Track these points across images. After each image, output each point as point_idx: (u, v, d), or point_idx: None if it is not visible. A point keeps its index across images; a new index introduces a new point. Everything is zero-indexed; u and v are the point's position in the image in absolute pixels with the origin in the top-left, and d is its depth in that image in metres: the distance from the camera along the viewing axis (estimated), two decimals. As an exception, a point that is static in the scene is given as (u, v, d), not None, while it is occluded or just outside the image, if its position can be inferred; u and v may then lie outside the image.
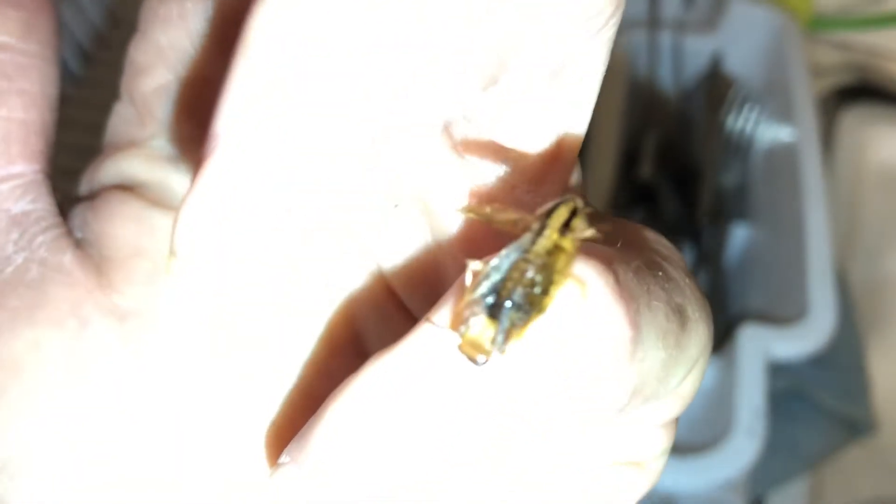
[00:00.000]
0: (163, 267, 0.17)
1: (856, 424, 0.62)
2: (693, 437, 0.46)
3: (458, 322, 0.13)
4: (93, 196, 0.18)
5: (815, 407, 0.60)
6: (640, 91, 0.64)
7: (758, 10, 0.64)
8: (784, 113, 0.59)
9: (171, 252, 0.14)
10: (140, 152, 0.18)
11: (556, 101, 0.15)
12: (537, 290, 0.13)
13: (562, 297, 0.13)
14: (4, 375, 0.16)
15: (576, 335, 0.13)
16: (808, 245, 0.49)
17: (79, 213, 0.18)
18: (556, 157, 0.16)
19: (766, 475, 0.56)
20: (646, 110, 0.65)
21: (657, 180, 0.62)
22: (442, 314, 0.14)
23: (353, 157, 0.14)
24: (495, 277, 0.14)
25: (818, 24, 0.76)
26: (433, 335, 0.13)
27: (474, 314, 0.13)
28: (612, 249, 0.14)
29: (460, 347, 0.13)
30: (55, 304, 0.16)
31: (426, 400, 0.13)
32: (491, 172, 0.16)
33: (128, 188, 0.18)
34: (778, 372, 0.49)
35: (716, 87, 0.62)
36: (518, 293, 0.13)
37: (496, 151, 0.16)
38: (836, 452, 0.63)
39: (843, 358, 0.60)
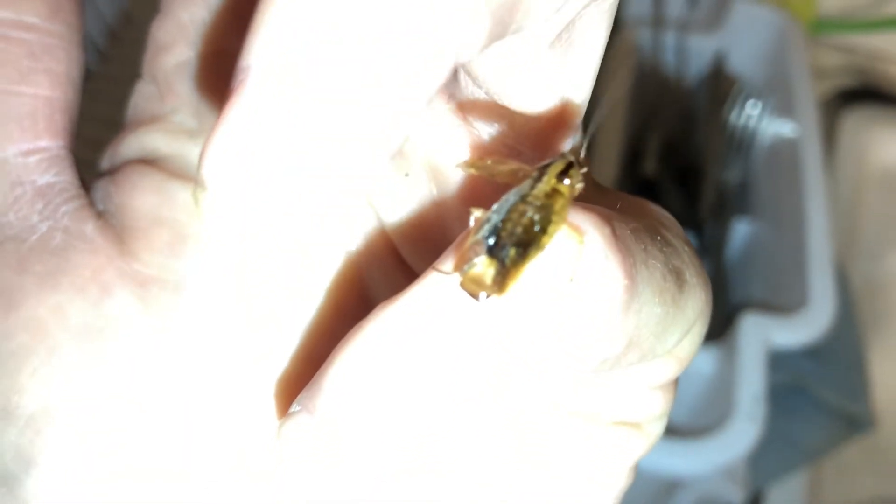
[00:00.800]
0: (191, 202, 0.18)
1: (855, 421, 0.63)
2: (694, 422, 0.47)
3: (462, 263, 0.14)
4: (114, 170, 0.19)
5: (814, 402, 0.61)
6: (644, 88, 0.65)
7: (761, 10, 0.65)
8: (786, 110, 0.59)
9: (199, 184, 0.14)
10: (161, 126, 0.19)
11: (559, 67, 0.16)
12: (536, 228, 0.14)
13: (559, 238, 0.14)
14: (30, 337, 0.16)
15: (571, 279, 0.13)
16: (809, 238, 0.50)
17: (101, 186, 0.18)
18: (557, 122, 0.16)
19: (766, 468, 0.57)
20: (650, 107, 0.65)
21: (660, 176, 0.63)
22: (448, 260, 0.14)
23: (365, 142, 0.14)
24: (496, 220, 0.14)
25: (821, 27, 0.77)
26: (438, 281, 0.14)
27: (476, 254, 0.14)
28: (610, 210, 0.15)
29: (462, 284, 0.14)
30: (78, 270, 0.17)
31: (432, 341, 0.14)
32: (493, 134, 0.17)
33: (149, 161, 0.19)
34: (778, 366, 0.50)
35: (719, 85, 0.63)
36: (517, 232, 0.14)
37: (499, 114, 0.16)
38: (834, 448, 0.63)
39: (843, 354, 0.61)
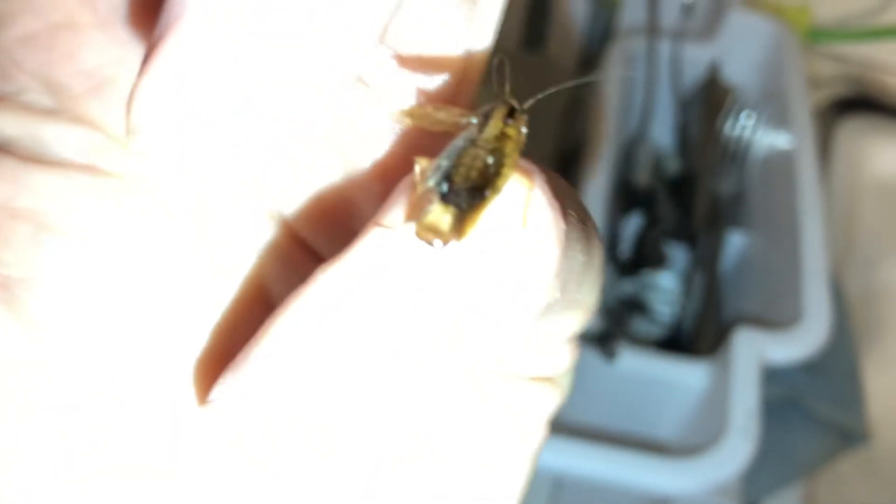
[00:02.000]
0: (120, 144, 0.16)
1: (849, 433, 0.62)
2: (687, 439, 0.46)
3: (415, 212, 0.13)
4: None
5: (808, 415, 0.60)
6: (637, 97, 0.65)
7: (756, 19, 0.64)
8: (781, 121, 0.59)
9: (129, 130, 0.13)
10: (8, 106, 0.17)
11: (465, 22, 0.16)
12: (490, 171, 0.14)
13: (512, 181, 0.14)
14: None
15: (522, 222, 0.13)
16: (804, 251, 0.49)
17: None
18: (463, 79, 0.16)
19: (760, 482, 0.56)
20: (643, 117, 0.65)
21: (653, 187, 0.62)
22: (393, 213, 0.14)
23: (314, 83, 0.14)
24: (446, 166, 0.14)
25: (816, 37, 0.77)
26: (383, 234, 0.13)
27: (429, 202, 0.13)
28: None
29: (418, 234, 0.13)
30: None
31: (383, 296, 0.13)
32: (402, 97, 0.16)
33: None
34: (772, 379, 0.49)
35: (713, 95, 0.63)
36: (472, 176, 0.14)
37: (405, 77, 0.16)
38: (829, 461, 0.63)
39: (838, 367, 0.61)
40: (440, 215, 0.13)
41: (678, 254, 0.58)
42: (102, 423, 0.16)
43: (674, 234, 0.59)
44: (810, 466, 0.62)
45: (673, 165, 0.65)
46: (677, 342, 0.56)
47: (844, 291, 0.67)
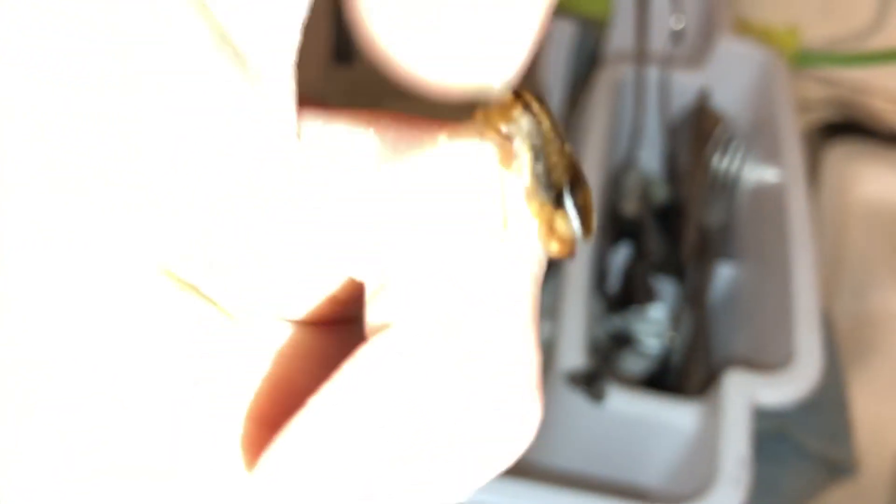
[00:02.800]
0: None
1: (838, 465, 0.62)
2: (675, 487, 0.45)
3: (549, 231, 0.12)
4: None
5: (798, 448, 0.60)
6: (626, 125, 0.64)
7: (746, 46, 0.64)
8: (771, 152, 0.58)
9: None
10: None
11: None
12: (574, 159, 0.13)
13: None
14: None
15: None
16: (795, 289, 0.48)
17: None
18: None
19: (748, 517, 0.56)
20: (632, 145, 0.64)
21: (641, 216, 0.61)
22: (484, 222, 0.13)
23: None
24: (540, 171, 0.13)
25: (804, 60, 0.76)
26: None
27: (543, 207, 0.12)
28: None
29: (553, 251, 0.12)
30: None
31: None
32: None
33: None
34: (761, 414, 0.48)
35: (703, 123, 0.62)
36: (568, 172, 0.13)
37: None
38: (818, 494, 0.62)
39: (828, 399, 0.60)
40: (568, 223, 0.12)
41: (667, 286, 0.57)
42: (102, 423, 0.16)
43: (662, 267, 0.58)
44: (799, 500, 0.61)
45: (661, 193, 0.64)
46: (665, 378, 0.55)
47: (833, 318, 0.66)
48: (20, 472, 0.15)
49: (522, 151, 0.13)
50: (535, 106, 0.13)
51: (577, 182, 0.12)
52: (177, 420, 0.16)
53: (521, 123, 0.13)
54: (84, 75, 0.12)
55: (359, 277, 0.15)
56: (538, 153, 0.13)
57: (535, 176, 0.13)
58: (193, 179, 0.14)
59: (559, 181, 0.12)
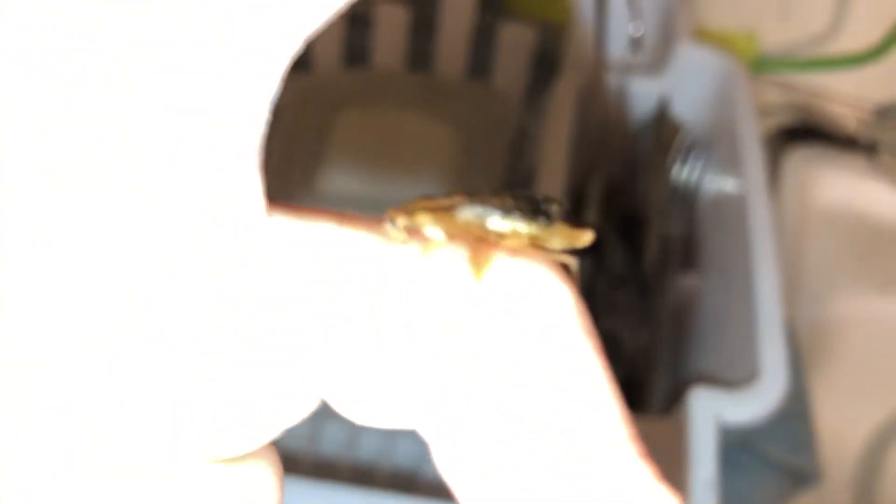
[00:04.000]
0: None
1: (802, 474, 0.62)
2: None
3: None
4: None
5: (762, 459, 0.59)
6: (586, 133, 0.63)
7: (705, 53, 0.63)
8: (732, 161, 0.57)
9: None
10: None
11: None
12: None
13: None
14: None
15: None
16: (759, 302, 0.48)
17: None
18: None
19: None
20: (593, 153, 0.63)
21: (603, 226, 0.60)
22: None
23: None
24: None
25: (762, 66, 0.76)
26: None
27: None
28: None
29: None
30: None
31: None
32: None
33: None
34: (727, 428, 0.48)
35: (663, 131, 0.61)
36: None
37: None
38: (782, 503, 0.62)
39: (792, 409, 0.59)
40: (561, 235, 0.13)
41: (629, 298, 0.56)
42: (102, 423, 0.15)
43: (623, 280, 0.57)
44: (763, 510, 0.61)
45: (622, 202, 0.64)
46: (628, 392, 0.54)
47: (794, 325, 0.66)
48: (20, 472, 0.15)
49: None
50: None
51: (545, 201, 0.13)
52: (177, 419, 0.16)
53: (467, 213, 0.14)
54: (84, 75, 0.12)
55: None
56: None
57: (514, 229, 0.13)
58: (193, 179, 0.13)
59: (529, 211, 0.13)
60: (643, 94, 0.63)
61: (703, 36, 0.71)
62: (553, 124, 0.59)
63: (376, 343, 0.15)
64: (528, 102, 0.69)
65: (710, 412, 0.43)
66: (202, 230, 0.14)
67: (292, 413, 0.16)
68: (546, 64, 0.69)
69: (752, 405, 0.44)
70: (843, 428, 0.74)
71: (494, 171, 0.66)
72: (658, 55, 0.64)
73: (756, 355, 0.46)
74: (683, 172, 0.60)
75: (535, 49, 0.70)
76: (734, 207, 0.56)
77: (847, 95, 0.79)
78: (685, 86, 0.63)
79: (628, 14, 0.63)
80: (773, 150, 0.78)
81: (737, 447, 0.56)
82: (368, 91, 0.70)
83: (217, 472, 0.16)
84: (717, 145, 0.61)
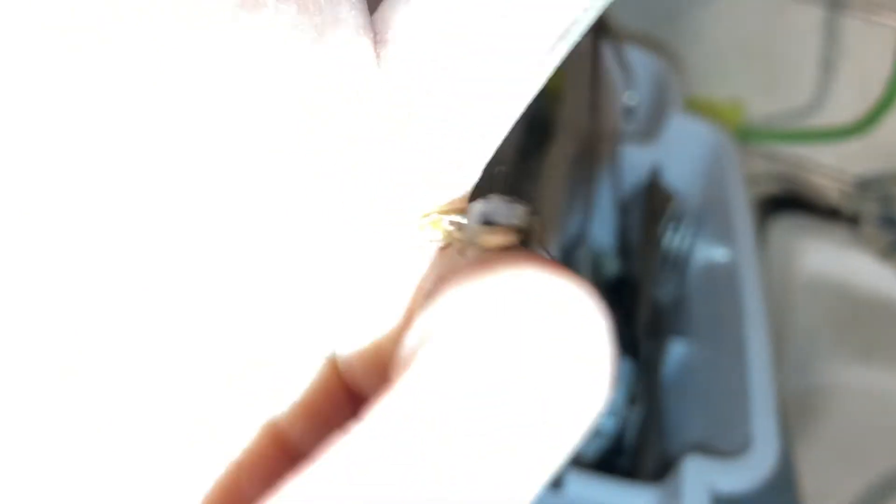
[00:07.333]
0: None
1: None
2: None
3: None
4: None
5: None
6: (577, 199, 0.64)
7: (696, 123, 0.64)
8: (722, 231, 0.58)
9: None
10: None
11: None
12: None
13: None
14: None
15: None
16: (750, 371, 0.48)
17: None
18: None
19: None
20: (583, 219, 0.64)
21: (593, 290, 0.61)
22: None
23: None
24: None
25: (747, 135, 0.78)
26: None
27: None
28: None
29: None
30: None
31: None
32: None
33: None
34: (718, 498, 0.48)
35: (654, 200, 0.62)
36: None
37: None
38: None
39: (778, 476, 0.60)
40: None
41: (621, 364, 0.57)
42: (103, 423, 0.15)
43: (616, 344, 0.57)
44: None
45: (612, 267, 0.64)
46: (618, 459, 0.54)
47: (779, 394, 0.66)
48: (20, 472, 0.15)
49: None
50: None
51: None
52: (178, 417, 0.16)
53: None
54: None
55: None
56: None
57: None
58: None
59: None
60: (636, 162, 0.64)
61: (690, 104, 0.72)
62: (546, 188, 0.60)
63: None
64: (520, 165, 0.70)
65: (703, 481, 0.44)
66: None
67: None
68: (538, 129, 0.71)
69: (745, 474, 0.44)
70: (827, 495, 0.75)
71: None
72: (650, 124, 0.66)
73: (748, 424, 0.46)
74: (674, 240, 0.61)
75: (528, 114, 0.71)
76: (724, 276, 0.56)
77: (830, 167, 0.81)
78: (677, 155, 0.64)
79: (622, 83, 0.65)
80: (757, 218, 0.79)
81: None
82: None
83: None
84: (707, 214, 0.62)
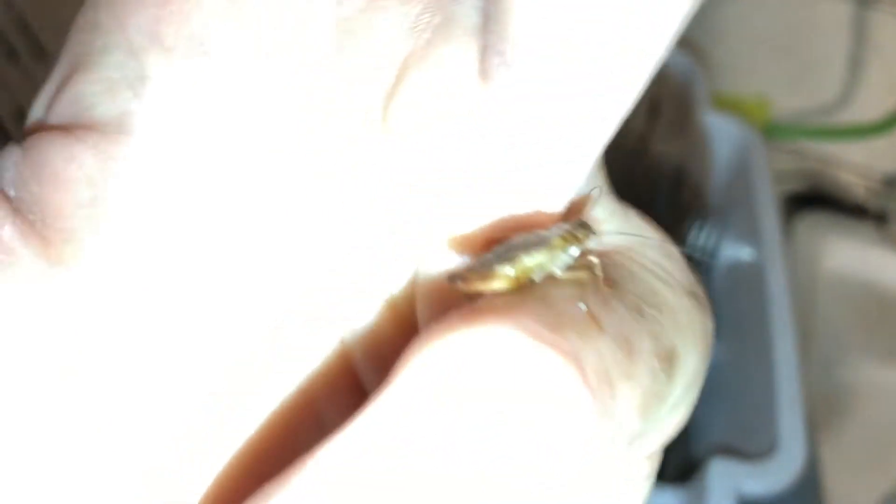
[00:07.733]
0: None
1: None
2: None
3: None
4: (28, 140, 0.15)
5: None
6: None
7: (723, 120, 0.64)
8: (748, 228, 0.58)
9: None
10: (94, 78, 0.15)
11: None
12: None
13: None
14: None
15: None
16: (777, 372, 0.48)
17: (9, 163, 0.15)
18: None
19: None
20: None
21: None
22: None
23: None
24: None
25: (773, 132, 0.77)
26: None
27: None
28: (588, 328, 0.13)
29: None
30: None
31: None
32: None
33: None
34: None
35: (681, 197, 0.62)
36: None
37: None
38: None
39: (804, 478, 0.59)
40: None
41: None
42: (103, 423, 0.15)
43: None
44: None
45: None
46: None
47: (805, 394, 0.66)
48: (20, 472, 0.15)
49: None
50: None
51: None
52: (178, 418, 0.16)
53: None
54: None
55: None
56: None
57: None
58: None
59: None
60: (661, 160, 0.64)
61: (716, 101, 0.72)
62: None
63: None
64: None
65: (729, 484, 0.43)
66: None
67: None
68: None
69: (771, 477, 0.44)
70: (851, 495, 0.74)
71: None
72: (677, 122, 0.65)
73: (775, 425, 0.46)
74: (700, 238, 0.60)
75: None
76: (751, 275, 0.56)
77: (857, 164, 0.80)
78: (703, 153, 0.64)
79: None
80: (783, 216, 0.79)
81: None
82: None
83: None
84: (733, 212, 0.61)
